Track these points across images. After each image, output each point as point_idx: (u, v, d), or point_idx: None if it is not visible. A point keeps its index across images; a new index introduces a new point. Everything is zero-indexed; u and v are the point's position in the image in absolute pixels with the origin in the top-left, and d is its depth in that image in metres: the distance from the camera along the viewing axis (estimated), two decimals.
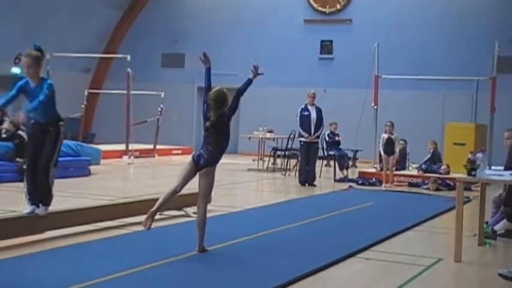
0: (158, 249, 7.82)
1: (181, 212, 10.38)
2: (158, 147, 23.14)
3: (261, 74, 8.54)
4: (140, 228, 9.09)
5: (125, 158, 20.55)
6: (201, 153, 7.65)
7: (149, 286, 6.34)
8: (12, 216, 8.25)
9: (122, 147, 21.50)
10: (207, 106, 7.84)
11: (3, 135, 14.40)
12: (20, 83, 8.08)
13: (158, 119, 22.91)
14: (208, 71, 8.46)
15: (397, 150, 16.25)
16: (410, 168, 17.47)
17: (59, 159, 14.57)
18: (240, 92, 8.13)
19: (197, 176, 7.70)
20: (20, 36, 20.37)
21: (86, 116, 24.63)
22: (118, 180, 16.12)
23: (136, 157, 20.77)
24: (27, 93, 8.03)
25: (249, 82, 8.19)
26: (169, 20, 26.76)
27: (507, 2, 22.38)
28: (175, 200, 10.26)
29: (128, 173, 18.10)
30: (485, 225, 9.31)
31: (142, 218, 9.53)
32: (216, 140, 7.69)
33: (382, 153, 16.12)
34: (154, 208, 7.54)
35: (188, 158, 7.84)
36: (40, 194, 8.06)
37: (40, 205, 8.00)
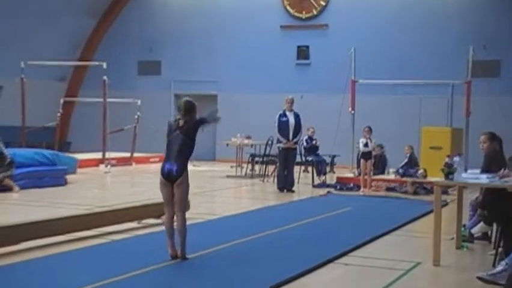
0: (137, 258, 7.78)
1: (159, 220, 10.29)
2: (135, 155, 23.00)
3: (217, 119, 8.37)
4: (117, 237, 9.07)
5: (102, 166, 20.43)
6: (169, 167, 7.63)
7: None
8: None
9: (99, 155, 21.40)
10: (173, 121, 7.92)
11: None
12: None
13: (135, 126, 22.79)
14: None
15: (373, 154, 16.36)
16: (389, 172, 17.50)
17: (35, 169, 14.70)
18: (203, 121, 8.00)
19: None
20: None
21: (61, 125, 24.44)
22: (95, 189, 16.01)
23: (113, 165, 20.60)
24: None
25: (205, 121, 8.00)
26: (144, 27, 26.66)
27: (481, 8, 22.52)
28: (152, 209, 10.31)
29: (106, 182, 17.96)
30: (462, 229, 9.35)
31: (119, 226, 9.58)
32: (183, 141, 7.70)
33: (360, 155, 16.28)
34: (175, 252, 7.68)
35: (158, 176, 7.75)
36: None
37: None
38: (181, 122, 7.72)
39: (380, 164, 17.35)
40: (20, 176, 13.98)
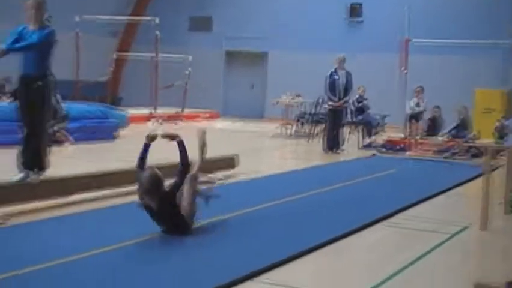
0: None
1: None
2: (186, 111, 23.22)
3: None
4: None
5: (151, 122, 20.65)
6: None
7: (174, 248, 6.39)
8: (44, 179, 8.06)
9: (150, 111, 21.62)
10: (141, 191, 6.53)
11: None
12: (17, 29, 7.88)
13: (186, 82, 22.95)
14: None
15: (430, 116, 16.25)
16: (442, 134, 17.32)
17: (88, 122, 14.91)
18: (183, 169, 6.86)
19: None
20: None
21: (113, 80, 24.80)
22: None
23: (163, 121, 20.84)
24: (22, 37, 7.82)
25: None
26: None
27: None
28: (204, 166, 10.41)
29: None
30: (511, 194, 9.27)
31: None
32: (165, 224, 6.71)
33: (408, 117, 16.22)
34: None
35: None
36: (32, 159, 7.93)
37: (35, 170, 7.89)
38: (155, 207, 6.49)
39: (435, 126, 17.15)
40: (73, 129, 14.24)
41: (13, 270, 5.28)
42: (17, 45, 7.72)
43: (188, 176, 6.90)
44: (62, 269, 5.45)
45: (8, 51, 7.72)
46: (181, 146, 7.04)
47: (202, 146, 7.66)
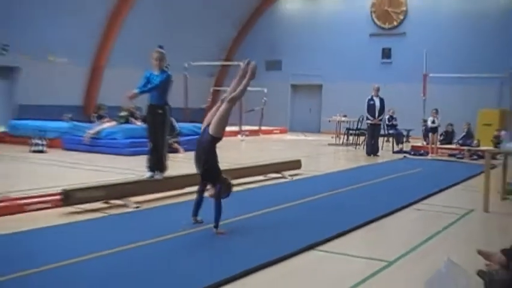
0: (260, 201, 7.76)
1: (279, 175, 10.48)
2: (262, 128, 23.31)
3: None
4: (250, 186, 9.31)
5: (239, 136, 20.82)
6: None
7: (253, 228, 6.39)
8: (164, 177, 8.22)
9: (236, 128, 21.69)
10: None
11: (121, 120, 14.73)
12: (145, 73, 8.01)
13: (263, 108, 23.11)
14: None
15: (445, 130, 16.27)
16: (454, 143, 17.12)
17: (194, 137, 15.15)
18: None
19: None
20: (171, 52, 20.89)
21: (210, 107, 25.00)
22: (233, 152, 16.34)
23: (246, 135, 21.03)
24: (149, 80, 7.93)
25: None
26: (270, 36, 26.89)
27: None
28: (274, 167, 10.50)
29: (241, 147, 18.25)
30: (507, 185, 9.10)
31: (252, 179, 9.83)
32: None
33: (428, 130, 16.18)
34: None
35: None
36: (156, 164, 8.05)
37: (157, 172, 8.02)
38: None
39: (449, 137, 17.03)
40: (184, 142, 14.46)
41: (154, 237, 5.47)
42: (145, 89, 7.88)
43: (229, 97, 6.17)
44: (182, 239, 5.63)
45: (141, 93, 7.91)
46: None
47: (251, 76, 6.54)
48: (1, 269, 4.40)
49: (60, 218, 6.56)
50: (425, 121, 16.81)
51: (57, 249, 5.08)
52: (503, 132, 11.18)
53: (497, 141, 8.49)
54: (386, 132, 18.13)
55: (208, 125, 6.09)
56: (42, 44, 19.18)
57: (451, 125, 17.06)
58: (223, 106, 6.08)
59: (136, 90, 7.85)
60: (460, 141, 16.44)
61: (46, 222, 6.26)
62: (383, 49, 24.48)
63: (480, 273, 4.61)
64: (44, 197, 7.17)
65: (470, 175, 11.59)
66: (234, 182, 9.28)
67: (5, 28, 17.88)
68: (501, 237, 6.36)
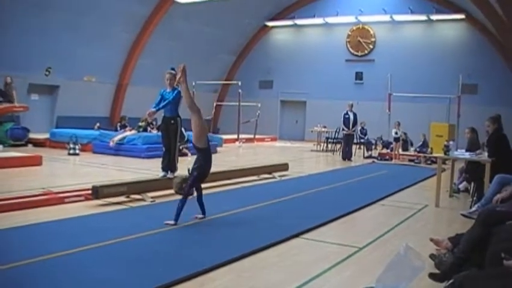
0: (255, 197, 7.76)
1: (270, 175, 10.46)
2: (256, 136, 23.24)
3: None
4: (245, 184, 9.31)
5: (237, 143, 20.78)
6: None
7: (260, 216, 6.38)
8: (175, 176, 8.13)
9: (235, 136, 21.69)
10: None
11: (140, 129, 14.65)
12: (160, 91, 8.04)
13: (257, 120, 23.14)
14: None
15: (401, 138, 16.28)
16: (411, 150, 17.14)
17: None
18: None
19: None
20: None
21: (214, 117, 25.14)
22: (232, 156, 16.38)
23: (243, 142, 21.03)
24: (163, 96, 7.97)
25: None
26: (263, 60, 26.84)
27: (468, 51, 21.79)
28: (266, 169, 10.48)
29: (239, 152, 18.16)
30: (453, 185, 9.20)
31: (247, 178, 9.85)
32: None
33: (393, 140, 16.20)
34: None
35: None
36: (168, 165, 8.06)
37: (169, 172, 8.03)
38: None
39: (405, 145, 17.03)
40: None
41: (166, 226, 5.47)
42: (160, 106, 7.87)
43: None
44: (191, 228, 5.59)
45: (157, 110, 7.91)
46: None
47: (183, 75, 6.19)
48: (50, 248, 4.52)
49: (91, 209, 6.60)
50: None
51: (90, 234, 5.13)
52: (451, 142, 11.31)
53: (446, 150, 8.54)
54: (358, 140, 18.17)
55: None
56: (77, 66, 19.27)
57: (405, 134, 17.10)
58: (191, 119, 5.97)
59: (153, 109, 7.87)
60: (418, 149, 16.50)
61: (80, 212, 6.31)
62: (356, 73, 24.53)
63: (431, 256, 4.71)
64: (78, 192, 7.22)
65: (425, 177, 11.64)
66: (233, 181, 9.41)
67: (49, 54, 17.97)
68: (448, 227, 6.42)
